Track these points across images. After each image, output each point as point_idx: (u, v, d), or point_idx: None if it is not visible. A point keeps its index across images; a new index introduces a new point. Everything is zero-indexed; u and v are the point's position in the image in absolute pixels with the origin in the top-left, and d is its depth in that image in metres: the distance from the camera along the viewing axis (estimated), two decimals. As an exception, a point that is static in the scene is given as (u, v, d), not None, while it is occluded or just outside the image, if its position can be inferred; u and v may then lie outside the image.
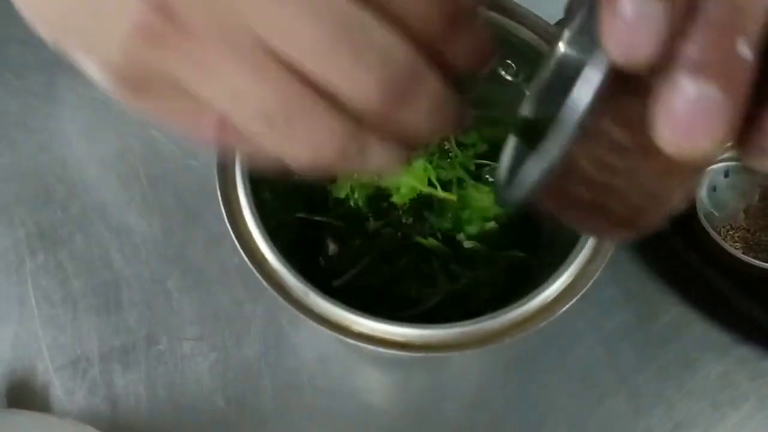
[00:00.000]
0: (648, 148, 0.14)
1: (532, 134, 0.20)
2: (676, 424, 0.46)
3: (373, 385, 0.47)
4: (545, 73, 0.20)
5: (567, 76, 0.15)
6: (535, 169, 0.15)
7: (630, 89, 0.14)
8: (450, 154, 0.43)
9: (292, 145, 0.17)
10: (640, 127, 0.14)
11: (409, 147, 0.19)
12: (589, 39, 0.14)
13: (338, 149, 0.17)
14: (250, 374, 0.46)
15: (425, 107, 0.18)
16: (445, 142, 0.43)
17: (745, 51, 0.13)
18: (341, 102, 0.17)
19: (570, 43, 0.19)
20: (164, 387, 0.45)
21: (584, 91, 0.14)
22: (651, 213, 0.17)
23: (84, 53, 0.18)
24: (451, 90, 0.19)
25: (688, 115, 0.13)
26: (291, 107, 0.17)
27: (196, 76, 0.17)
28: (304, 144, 0.17)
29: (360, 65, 0.16)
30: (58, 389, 0.45)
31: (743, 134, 0.14)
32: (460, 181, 0.42)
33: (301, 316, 0.30)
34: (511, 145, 0.20)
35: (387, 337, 0.29)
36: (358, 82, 0.16)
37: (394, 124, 0.18)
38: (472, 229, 0.41)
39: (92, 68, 0.18)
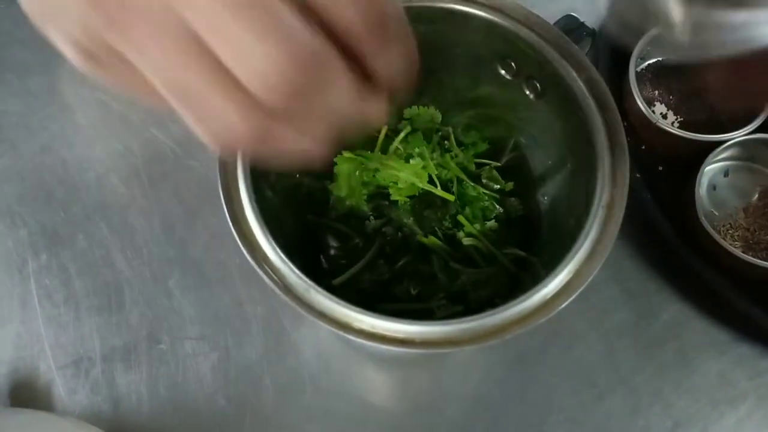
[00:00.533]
0: None
1: None
2: (675, 423, 0.46)
3: (374, 384, 0.47)
4: None
5: None
6: None
7: None
8: (451, 153, 0.43)
9: (207, 121, 0.20)
10: None
11: (320, 135, 0.21)
12: None
13: (247, 129, 0.20)
14: (251, 374, 0.46)
15: (334, 98, 0.20)
16: (446, 141, 0.44)
17: None
18: (246, 81, 0.19)
19: None
20: (166, 386, 0.46)
21: None
22: None
23: (54, 31, 0.21)
24: (366, 90, 0.21)
25: None
26: (200, 85, 0.19)
27: (135, 53, 0.19)
28: (216, 122, 0.20)
29: (263, 44, 0.18)
30: (60, 388, 0.46)
31: None
32: (459, 180, 0.42)
33: (303, 313, 0.30)
34: None
35: (387, 333, 0.30)
36: (259, 61, 0.18)
37: (300, 110, 0.20)
38: (473, 227, 0.41)
39: (61, 43, 0.21)
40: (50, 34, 0.21)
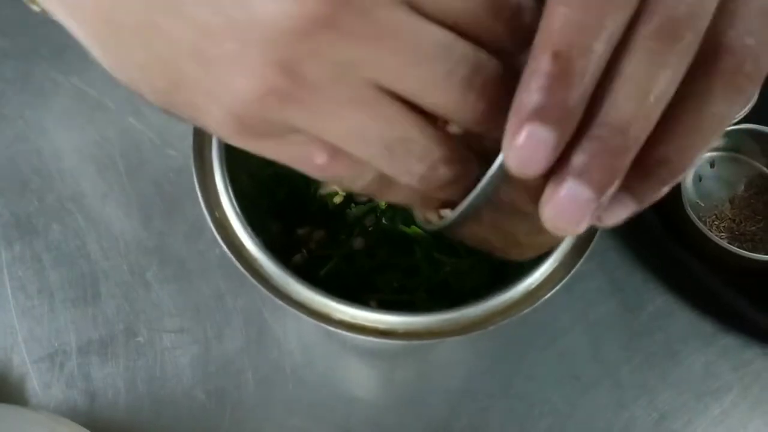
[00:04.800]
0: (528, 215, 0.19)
1: None
2: (660, 415, 0.45)
3: (358, 376, 0.47)
4: None
5: None
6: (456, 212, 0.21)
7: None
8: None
9: (408, 167, 0.20)
10: (523, 199, 0.19)
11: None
12: None
13: (453, 168, 0.20)
14: (231, 367, 0.45)
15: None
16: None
17: (624, 164, 0.17)
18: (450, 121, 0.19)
19: None
20: (143, 380, 0.45)
21: (487, 178, 0.19)
22: (526, 251, 0.24)
23: (200, 112, 0.19)
24: None
25: (568, 207, 0.17)
26: (405, 134, 0.19)
27: (318, 122, 0.19)
28: (418, 165, 0.20)
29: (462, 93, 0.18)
30: (34, 382, 0.45)
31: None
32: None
33: (282, 304, 0.29)
34: None
35: (368, 324, 0.29)
36: (463, 104, 0.19)
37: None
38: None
39: (209, 121, 0.20)
40: (188, 116, 0.20)
